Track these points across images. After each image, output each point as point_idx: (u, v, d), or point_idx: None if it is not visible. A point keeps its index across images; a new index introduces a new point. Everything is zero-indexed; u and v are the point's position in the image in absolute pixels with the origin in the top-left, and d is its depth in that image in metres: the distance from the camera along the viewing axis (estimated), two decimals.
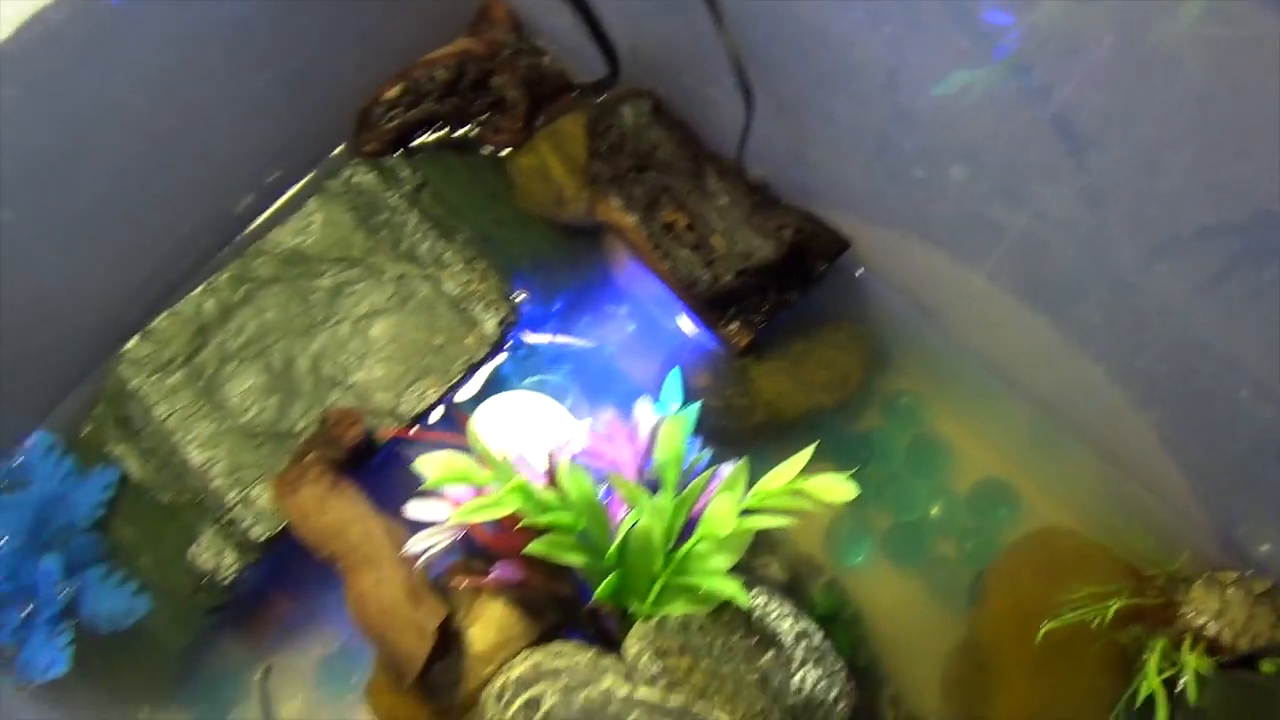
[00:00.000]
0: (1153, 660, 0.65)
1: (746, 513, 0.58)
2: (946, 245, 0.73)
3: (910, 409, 0.80)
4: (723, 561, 0.59)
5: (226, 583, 0.72)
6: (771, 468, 0.59)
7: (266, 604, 0.76)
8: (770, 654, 0.60)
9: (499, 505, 0.58)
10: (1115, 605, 0.66)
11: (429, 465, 0.59)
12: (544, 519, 0.58)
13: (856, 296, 0.80)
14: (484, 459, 0.59)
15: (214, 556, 0.73)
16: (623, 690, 0.51)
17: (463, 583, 0.66)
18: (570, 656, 0.54)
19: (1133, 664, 0.67)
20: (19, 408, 0.76)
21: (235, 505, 0.71)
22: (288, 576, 0.76)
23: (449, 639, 0.66)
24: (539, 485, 0.60)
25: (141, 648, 0.75)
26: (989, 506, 0.78)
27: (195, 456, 0.72)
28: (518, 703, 0.52)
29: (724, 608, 0.62)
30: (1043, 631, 0.66)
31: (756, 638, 0.61)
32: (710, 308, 0.74)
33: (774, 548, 0.73)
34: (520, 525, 0.61)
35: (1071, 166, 0.58)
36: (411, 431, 0.73)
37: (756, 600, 0.63)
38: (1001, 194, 0.65)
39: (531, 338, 0.79)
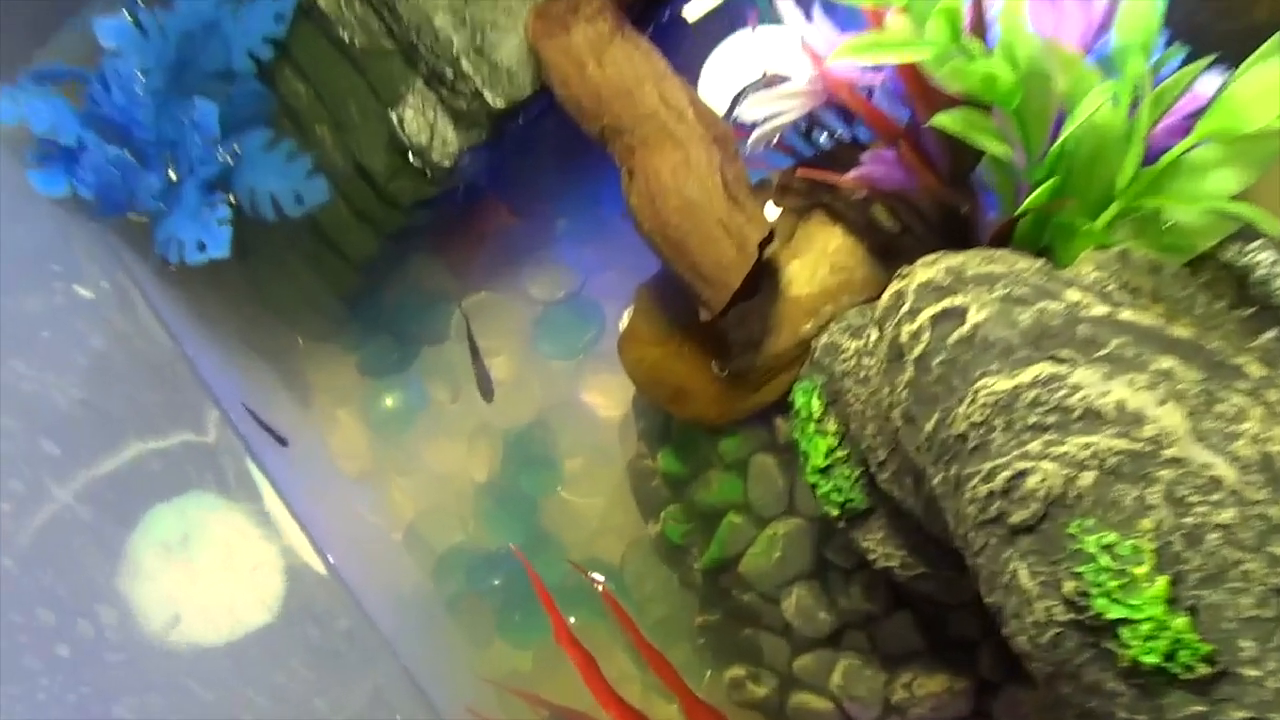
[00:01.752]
0: None
1: None
2: None
3: None
4: (1230, 180, 0.43)
5: (441, 169, 0.57)
6: None
7: (483, 216, 0.63)
8: (1274, 332, 0.45)
9: (908, 45, 0.40)
10: None
11: None
12: (971, 73, 0.41)
13: None
14: None
15: (424, 129, 0.58)
16: (1098, 309, 0.36)
17: (800, 179, 0.48)
18: (1008, 262, 0.39)
19: None
20: None
21: (462, 56, 0.55)
22: (516, 181, 0.63)
23: (759, 274, 0.48)
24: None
25: (311, 251, 0.62)
26: None
27: None
28: (925, 314, 0.37)
29: (1204, 262, 0.46)
30: None
31: (1254, 309, 0.46)
32: None
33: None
34: (924, 90, 0.42)
35: None
36: None
37: (1259, 255, 0.47)
38: None
39: None
